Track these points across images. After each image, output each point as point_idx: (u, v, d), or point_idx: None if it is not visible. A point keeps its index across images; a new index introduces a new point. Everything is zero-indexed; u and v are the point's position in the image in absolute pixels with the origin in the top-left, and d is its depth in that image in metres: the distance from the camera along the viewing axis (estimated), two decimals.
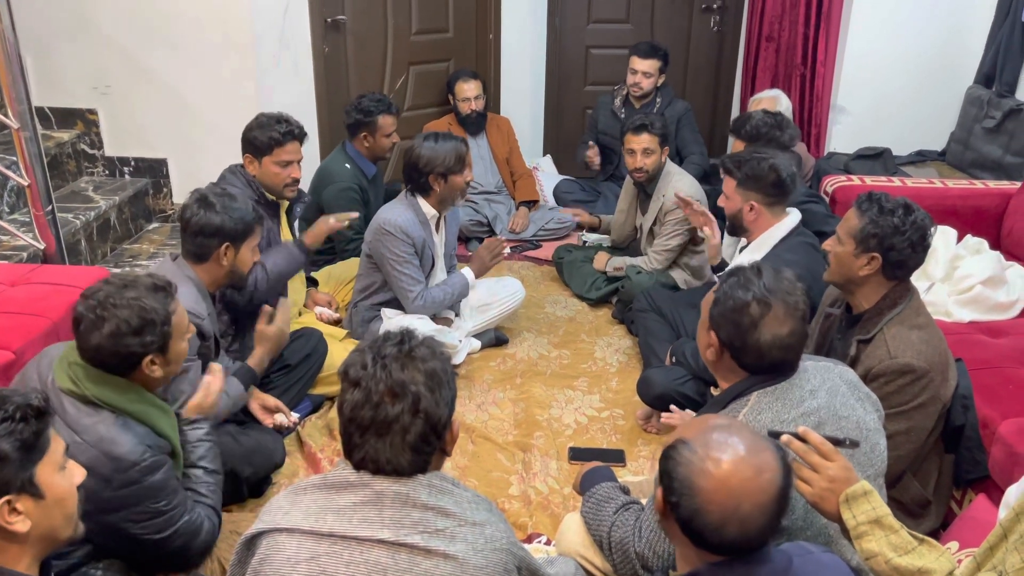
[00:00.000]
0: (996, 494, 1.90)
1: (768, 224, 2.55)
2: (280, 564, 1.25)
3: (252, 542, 1.32)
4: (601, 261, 3.62)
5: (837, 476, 1.40)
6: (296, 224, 3.00)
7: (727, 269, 1.69)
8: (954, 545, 1.76)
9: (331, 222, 2.88)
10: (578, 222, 4.15)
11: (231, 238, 2.21)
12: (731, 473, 1.17)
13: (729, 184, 2.57)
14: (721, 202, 2.63)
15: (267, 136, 2.66)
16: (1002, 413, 2.13)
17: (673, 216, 3.33)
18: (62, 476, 1.29)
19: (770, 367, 1.58)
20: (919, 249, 1.98)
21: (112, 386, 1.67)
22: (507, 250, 3.18)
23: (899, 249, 1.96)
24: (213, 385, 1.95)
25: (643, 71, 4.11)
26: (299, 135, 2.73)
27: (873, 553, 1.37)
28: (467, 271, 3.07)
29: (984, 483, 2.11)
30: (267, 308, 2.42)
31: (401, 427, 1.25)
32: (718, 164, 2.68)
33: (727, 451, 1.19)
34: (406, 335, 1.32)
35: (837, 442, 1.43)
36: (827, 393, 1.59)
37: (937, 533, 2.08)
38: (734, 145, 3.03)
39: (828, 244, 2.11)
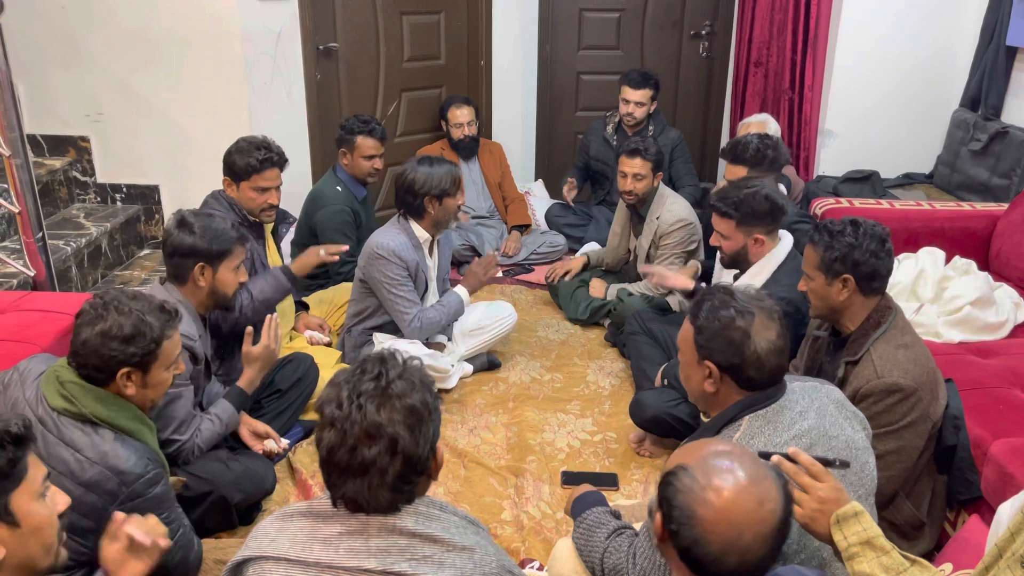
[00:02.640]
0: (989, 515, 1.89)
1: (768, 249, 2.56)
2: None
3: (238, 569, 1.30)
4: (598, 289, 3.63)
5: (828, 497, 1.39)
6: (285, 245, 3.00)
7: (693, 300, 1.71)
8: (948, 567, 1.76)
9: (321, 253, 2.85)
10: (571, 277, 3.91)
11: (205, 258, 2.22)
12: (733, 504, 1.16)
13: (727, 224, 2.54)
14: (716, 241, 2.61)
15: (245, 162, 2.68)
16: (993, 433, 2.13)
17: (668, 240, 3.35)
18: (40, 504, 1.27)
19: (770, 376, 1.58)
20: (882, 255, 2.01)
21: (108, 403, 1.68)
22: (499, 273, 3.18)
23: (864, 262, 1.99)
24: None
25: (635, 101, 4.14)
26: (279, 162, 2.73)
27: (865, 575, 1.36)
28: (460, 289, 3.06)
29: (977, 504, 2.11)
30: (250, 329, 2.41)
31: (379, 469, 1.21)
32: (709, 191, 2.67)
33: (729, 480, 1.17)
34: (384, 366, 1.27)
35: (827, 463, 1.43)
36: (816, 414, 1.60)
37: (932, 555, 2.07)
38: (729, 170, 3.03)
39: (801, 285, 2.14)
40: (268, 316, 2.41)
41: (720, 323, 1.59)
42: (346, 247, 2.91)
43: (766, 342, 1.57)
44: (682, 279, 2.94)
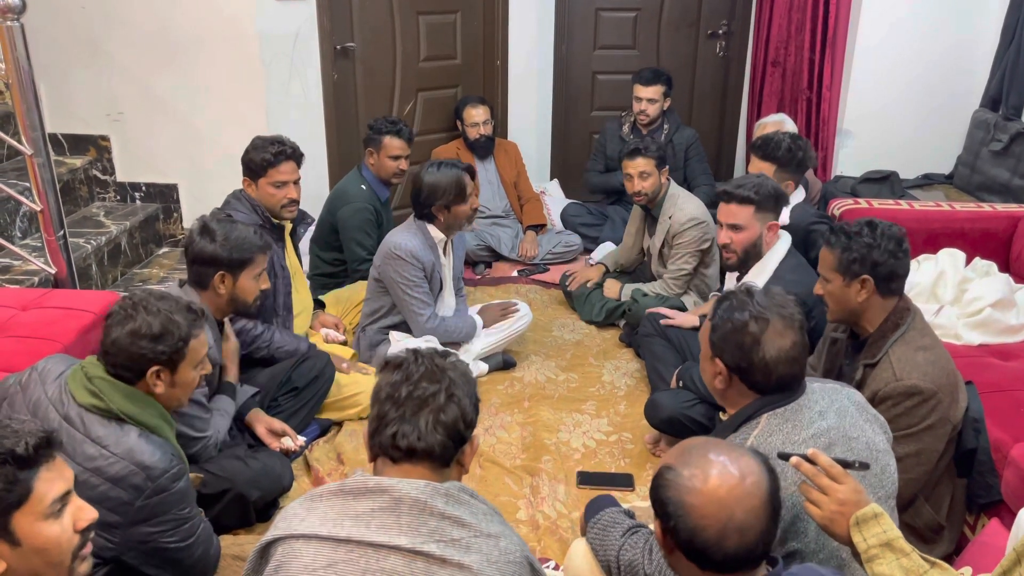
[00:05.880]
0: (1009, 518, 1.88)
1: (774, 241, 2.58)
2: (296, 571, 1.25)
3: (266, 549, 1.32)
4: (613, 290, 3.62)
5: (847, 499, 1.39)
6: (304, 246, 3.01)
7: (717, 296, 1.71)
8: (967, 571, 1.74)
9: (344, 366, 2.88)
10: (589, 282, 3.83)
11: (226, 267, 2.24)
12: (717, 485, 1.19)
13: (746, 212, 2.54)
14: (726, 238, 2.59)
15: (261, 157, 2.71)
16: (1014, 436, 2.11)
17: (681, 239, 3.34)
18: (47, 525, 1.25)
19: (778, 383, 1.59)
20: (900, 255, 2.00)
21: (135, 400, 1.71)
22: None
23: (883, 262, 1.98)
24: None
25: (647, 98, 4.14)
26: (293, 155, 2.77)
27: None
28: (478, 318, 3.13)
29: (997, 507, 2.10)
30: (228, 327, 2.46)
31: (436, 406, 1.31)
32: (723, 191, 2.65)
33: (710, 465, 1.22)
34: (439, 351, 1.42)
35: (847, 464, 1.42)
36: (836, 414, 1.59)
37: (951, 558, 2.05)
38: (755, 165, 3.01)
39: (817, 289, 2.12)
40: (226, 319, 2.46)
41: (732, 325, 1.60)
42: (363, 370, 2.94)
43: (776, 350, 1.56)
44: (687, 317, 3.02)
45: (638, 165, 3.33)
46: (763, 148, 3.00)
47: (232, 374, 2.43)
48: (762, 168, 2.97)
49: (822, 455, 1.41)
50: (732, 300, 1.63)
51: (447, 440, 1.31)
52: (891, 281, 2.00)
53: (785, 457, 1.41)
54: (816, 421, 1.56)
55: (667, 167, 3.40)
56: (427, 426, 1.30)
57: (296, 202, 2.79)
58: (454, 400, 1.32)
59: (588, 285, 3.74)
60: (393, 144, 3.40)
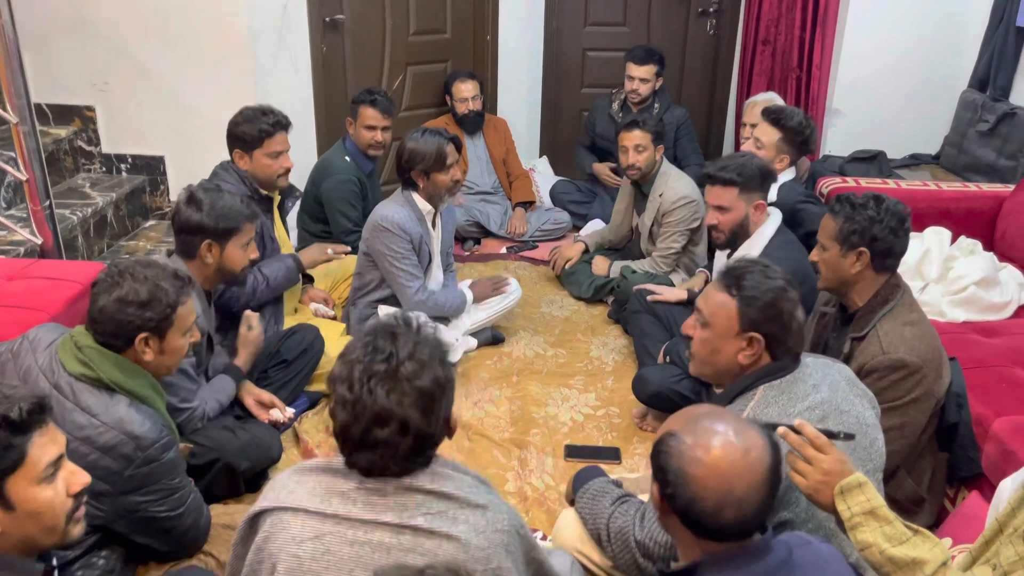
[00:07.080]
0: (989, 492, 1.91)
1: (763, 219, 2.59)
2: (285, 542, 1.26)
3: (255, 520, 1.33)
4: (601, 267, 3.63)
5: (832, 468, 1.41)
6: (291, 219, 3.00)
7: (726, 271, 1.69)
8: (947, 542, 1.78)
9: (328, 251, 2.96)
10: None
11: (213, 236, 2.23)
12: (720, 457, 1.20)
13: (730, 193, 2.54)
14: (713, 219, 2.60)
15: (256, 129, 2.69)
16: (995, 411, 2.15)
17: (671, 218, 3.35)
18: (40, 489, 1.26)
19: (800, 345, 1.63)
20: (901, 233, 2.01)
21: (125, 369, 1.71)
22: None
23: (882, 238, 1.99)
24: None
25: (640, 77, 4.12)
26: (286, 124, 2.77)
27: (867, 544, 1.37)
28: (468, 292, 3.11)
29: (977, 481, 2.13)
30: (248, 314, 2.47)
31: (391, 445, 1.23)
32: (707, 174, 2.65)
33: (714, 436, 1.22)
34: (395, 344, 1.27)
35: (832, 435, 1.44)
36: (829, 388, 1.61)
37: (931, 530, 2.08)
38: (763, 130, 2.99)
39: (814, 255, 2.14)
40: (252, 314, 2.49)
41: (772, 294, 1.60)
42: (348, 248, 2.96)
43: (801, 314, 1.61)
44: (674, 291, 3.03)
45: (634, 138, 3.32)
46: (776, 114, 2.99)
47: (242, 360, 2.44)
48: (768, 133, 2.97)
49: (808, 426, 1.43)
50: (755, 271, 1.63)
51: (408, 464, 1.26)
52: (887, 257, 2.02)
53: (772, 427, 1.43)
54: (811, 394, 1.58)
55: (663, 145, 3.40)
56: (383, 460, 1.25)
57: (289, 171, 2.80)
58: (410, 435, 1.23)
59: (566, 267, 3.74)
60: (367, 113, 3.39)
